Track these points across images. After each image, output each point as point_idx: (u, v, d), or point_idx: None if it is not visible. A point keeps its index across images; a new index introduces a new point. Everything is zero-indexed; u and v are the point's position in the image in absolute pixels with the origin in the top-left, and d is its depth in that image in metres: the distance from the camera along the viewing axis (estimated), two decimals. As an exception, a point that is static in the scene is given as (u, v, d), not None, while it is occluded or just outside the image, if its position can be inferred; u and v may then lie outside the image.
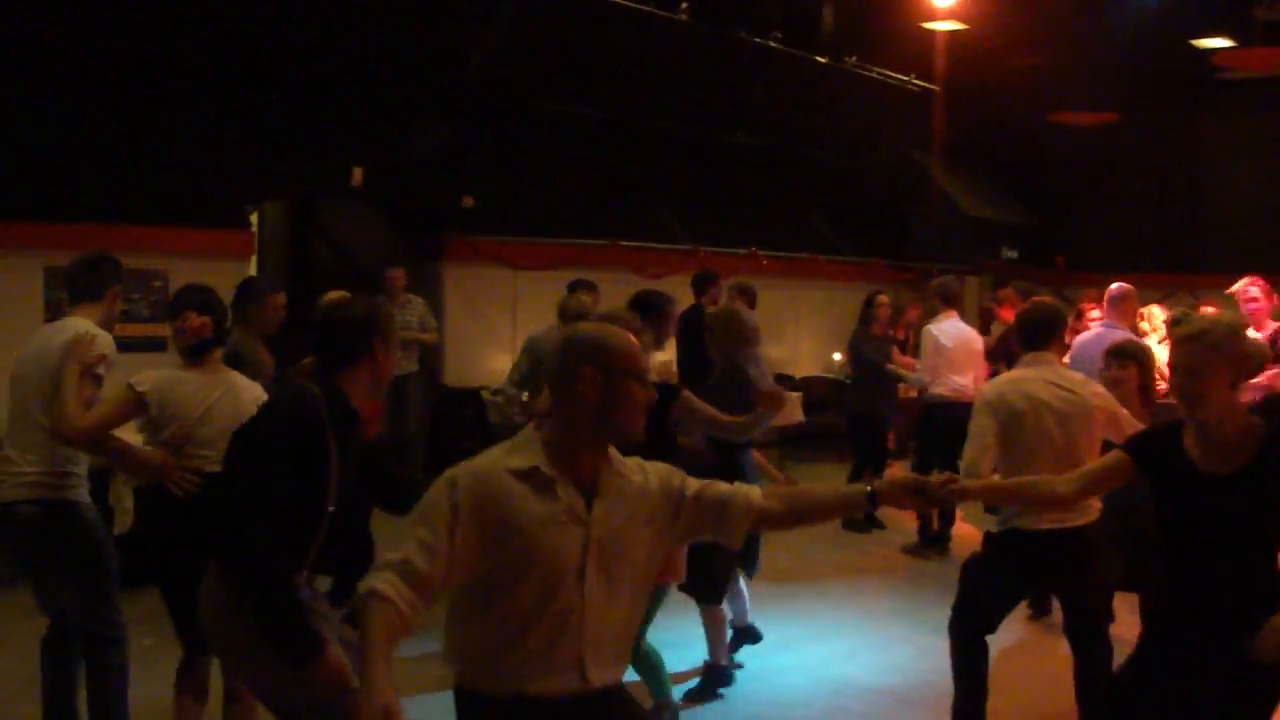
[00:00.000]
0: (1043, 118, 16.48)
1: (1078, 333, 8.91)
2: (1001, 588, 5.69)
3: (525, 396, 8.58)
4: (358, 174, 11.52)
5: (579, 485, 3.22)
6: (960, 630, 5.62)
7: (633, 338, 3.36)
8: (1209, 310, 8.82)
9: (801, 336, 15.86)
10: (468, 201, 12.32)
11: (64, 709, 5.29)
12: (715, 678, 6.71)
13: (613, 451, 3.30)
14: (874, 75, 16.42)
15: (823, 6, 15.51)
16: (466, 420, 11.73)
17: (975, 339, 10.38)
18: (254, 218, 11.41)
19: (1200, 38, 15.81)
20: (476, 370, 12.19)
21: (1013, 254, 17.34)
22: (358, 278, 11.98)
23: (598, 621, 3.22)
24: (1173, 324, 4.04)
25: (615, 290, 12.16)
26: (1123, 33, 15.91)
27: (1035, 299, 6.94)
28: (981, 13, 14.92)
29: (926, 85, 17.46)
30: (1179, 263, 16.03)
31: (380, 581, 3.09)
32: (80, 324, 5.25)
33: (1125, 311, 8.46)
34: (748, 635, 7.14)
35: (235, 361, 7.32)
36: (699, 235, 14.09)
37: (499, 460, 3.22)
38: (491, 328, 12.26)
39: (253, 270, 10.89)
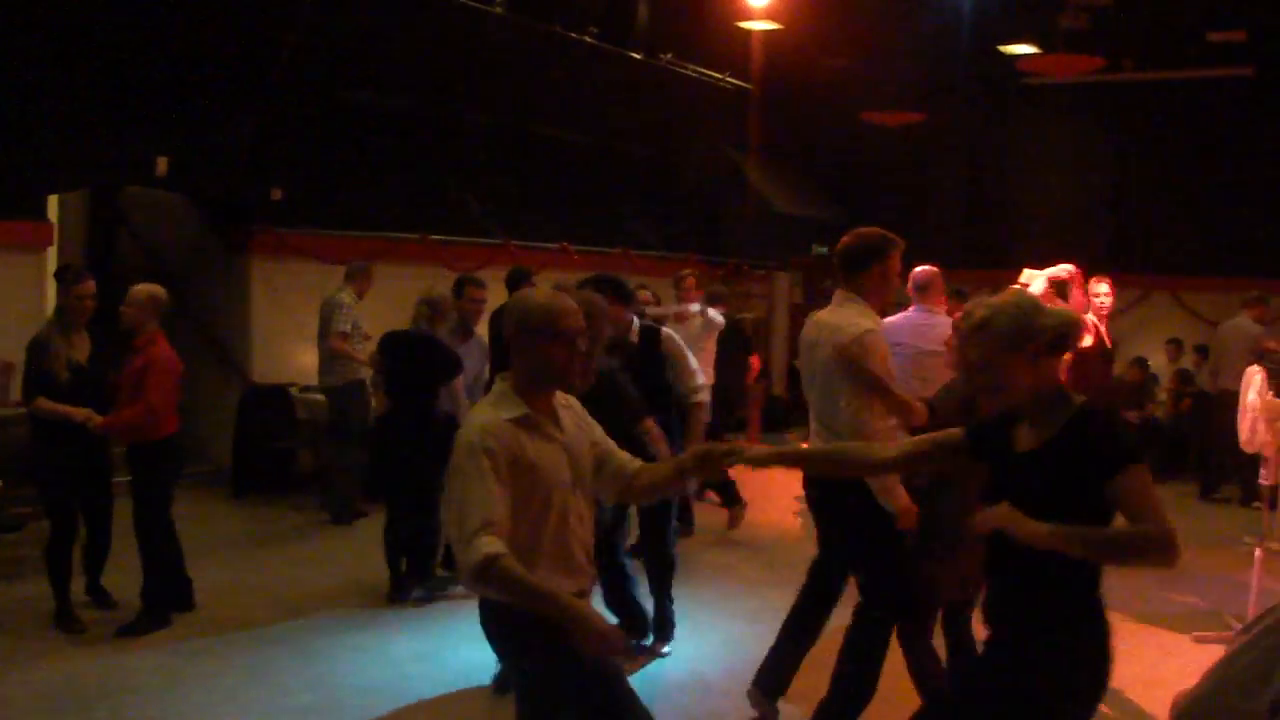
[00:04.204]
0: (854, 117, 16.81)
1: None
2: None
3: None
4: (162, 164, 11.19)
5: (550, 418, 3.88)
6: None
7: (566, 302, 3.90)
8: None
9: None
10: (276, 194, 12.05)
11: None
12: None
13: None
14: (689, 73, 16.63)
15: (638, 3, 15.64)
16: (274, 418, 11.50)
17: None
18: (53, 208, 11.02)
19: (1006, 43, 16.39)
20: (284, 367, 11.94)
21: (822, 250, 17.65)
22: (163, 270, 11.67)
23: (582, 524, 3.90)
24: (962, 318, 3.72)
25: (425, 285, 12.06)
26: (930, 36, 16.41)
27: None
28: (795, 13, 15.21)
29: (741, 84, 17.74)
30: (986, 260, 16.44)
31: (489, 546, 3.50)
32: None
33: (932, 295, 7.93)
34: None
35: (39, 350, 7.18)
36: (510, 229, 14.05)
37: (494, 414, 3.78)
38: (299, 323, 11.98)
39: (51, 263, 10.50)
